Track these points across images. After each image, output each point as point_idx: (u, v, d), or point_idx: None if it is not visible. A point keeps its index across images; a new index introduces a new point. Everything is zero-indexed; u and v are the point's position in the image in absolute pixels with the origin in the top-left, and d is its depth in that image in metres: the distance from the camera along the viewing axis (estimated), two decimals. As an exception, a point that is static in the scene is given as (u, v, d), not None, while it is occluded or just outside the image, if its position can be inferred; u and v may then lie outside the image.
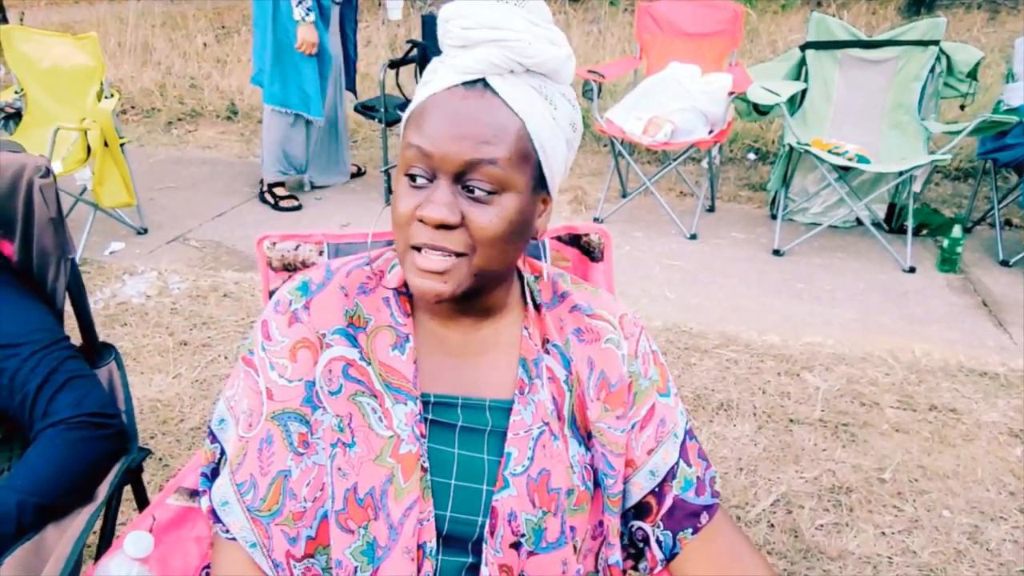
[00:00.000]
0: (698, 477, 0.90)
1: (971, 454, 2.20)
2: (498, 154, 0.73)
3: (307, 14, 3.59)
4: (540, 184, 0.79)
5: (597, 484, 0.87)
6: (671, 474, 0.88)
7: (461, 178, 0.74)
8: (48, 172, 1.14)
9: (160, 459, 2.08)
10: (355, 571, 0.78)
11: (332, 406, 0.81)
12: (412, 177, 0.75)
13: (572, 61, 0.78)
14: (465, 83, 0.74)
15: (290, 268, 1.15)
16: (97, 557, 1.17)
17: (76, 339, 1.32)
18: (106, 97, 3.35)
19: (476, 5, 0.74)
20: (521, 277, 0.92)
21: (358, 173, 4.41)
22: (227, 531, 0.83)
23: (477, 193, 0.74)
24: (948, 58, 3.54)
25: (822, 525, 1.94)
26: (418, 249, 0.76)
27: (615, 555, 0.88)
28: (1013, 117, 3.18)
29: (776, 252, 3.53)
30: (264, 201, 3.99)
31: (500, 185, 0.74)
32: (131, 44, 6.49)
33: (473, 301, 0.84)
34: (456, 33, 0.75)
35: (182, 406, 2.30)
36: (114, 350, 1.34)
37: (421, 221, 0.74)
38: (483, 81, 0.74)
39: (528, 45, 0.74)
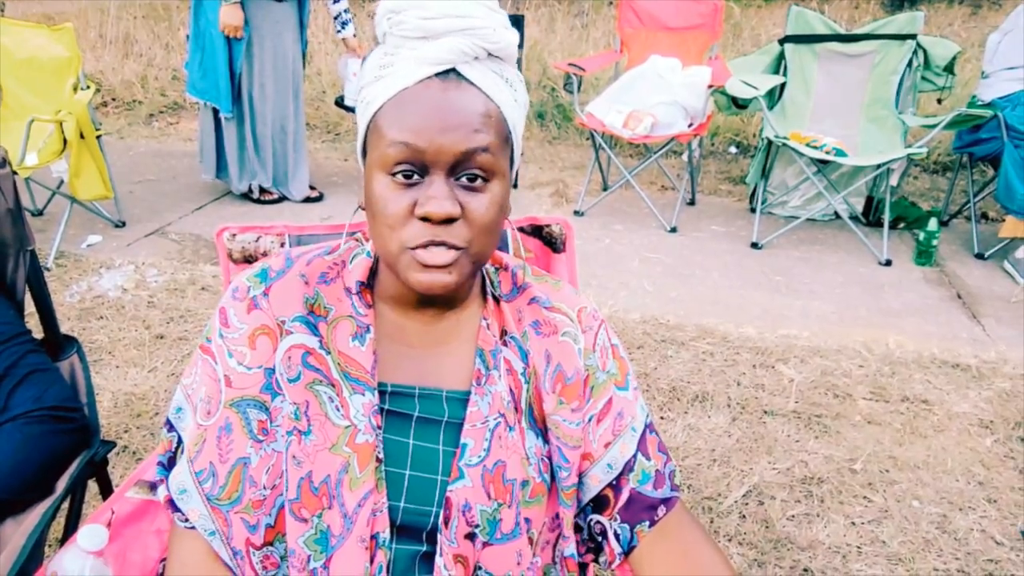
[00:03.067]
0: (657, 471, 0.90)
1: (941, 445, 2.22)
2: (488, 141, 0.74)
3: None
4: (511, 164, 0.80)
5: (554, 476, 0.87)
6: (628, 467, 0.88)
7: (455, 169, 0.74)
8: (4, 163, 1.13)
9: (133, 453, 2.07)
10: (308, 559, 0.78)
11: (290, 393, 0.81)
12: (405, 175, 0.74)
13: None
14: (438, 74, 0.74)
15: (251, 260, 1.15)
16: (59, 550, 1.17)
17: (38, 332, 1.32)
18: (82, 89, 3.32)
19: None
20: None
21: (317, 198, 3.97)
22: (185, 520, 0.83)
23: (475, 182, 0.74)
24: (925, 52, 3.57)
25: (793, 516, 1.95)
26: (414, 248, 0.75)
27: (570, 547, 0.89)
28: (987, 111, 3.21)
29: (755, 245, 3.55)
30: (245, 196, 3.94)
31: (491, 172, 0.75)
32: (113, 35, 6.43)
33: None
34: (415, 24, 0.74)
35: (157, 399, 2.29)
36: (76, 343, 1.33)
37: (425, 219, 0.73)
38: (454, 71, 0.74)
39: (493, 31, 0.74)
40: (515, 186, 4.03)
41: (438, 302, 0.85)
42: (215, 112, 3.67)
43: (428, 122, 0.72)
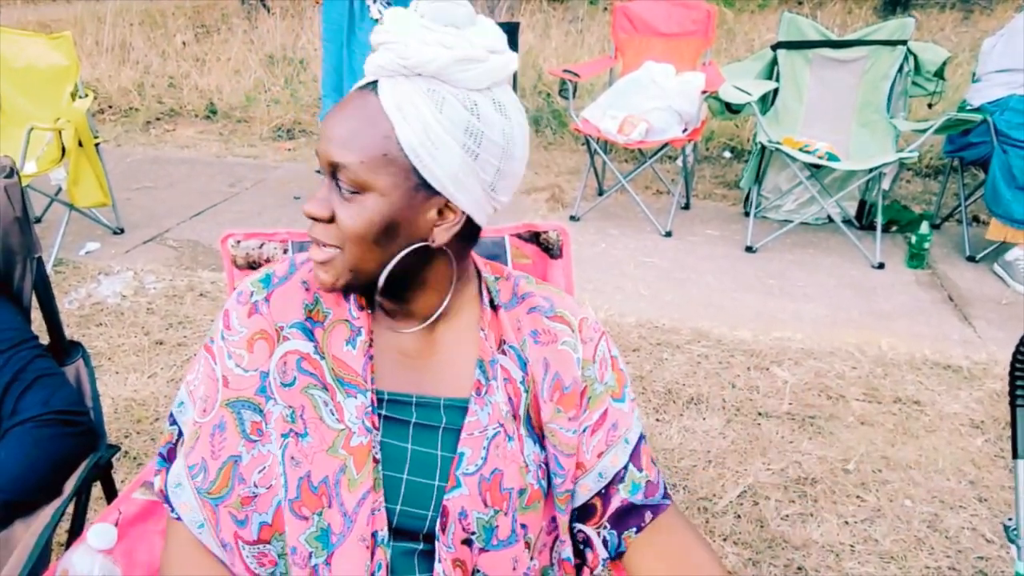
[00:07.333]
0: (648, 481, 0.92)
1: (933, 445, 2.25)
2: (351, 158, 0.75)
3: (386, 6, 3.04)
4: (427, 189, 0.77)
5: (551, 482, 0.89)
6: (618, 478, 0.90)
7: (334, 177, 0.79)
8: (13, 172, 1.15)
9: (134, 458, 2.09)
10: (310, 556, 0.81)
11: (284, 397, 0.83)
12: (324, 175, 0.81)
13: (477, 64, 0.75)
14: (364, 85, 0.78)
15: (255, 266, 1.17)
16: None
17: (44, 338, 1.34)
18: (80, 96, 3.33)
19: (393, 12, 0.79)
20: (480, 278, 0.93)
21: None
22: (174, 511, 0.86)
23: (343, 191, 0.78)
24: (916, 57, 3.61)
25: (787, 515, 1.98)
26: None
27: (567, 550, 0.91)
28: (977, 115, 3.25)
29: (749, 249, 3.58)
30: None
31: (359, 186, 0.76)
32: (109, 43, 6.44)
33: (401, 303, 0.86)
34: (377, 32, 0.79)
35: (157, 405, 2.31)
36: (82, 348, 1.35)
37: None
38: (376, 83, 0.77)
39: (405, 47, 0.74)
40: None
41: (409, 312, 0.86)
42: None
43: (323, 130, 0.79)
